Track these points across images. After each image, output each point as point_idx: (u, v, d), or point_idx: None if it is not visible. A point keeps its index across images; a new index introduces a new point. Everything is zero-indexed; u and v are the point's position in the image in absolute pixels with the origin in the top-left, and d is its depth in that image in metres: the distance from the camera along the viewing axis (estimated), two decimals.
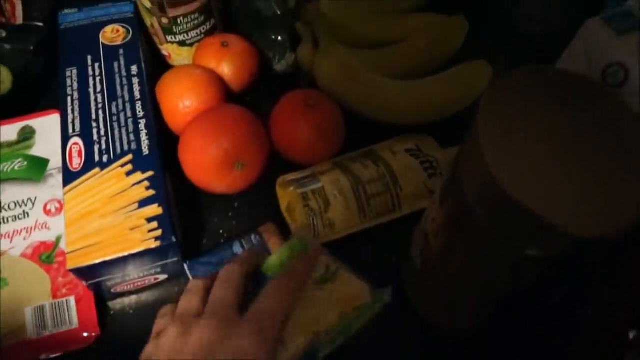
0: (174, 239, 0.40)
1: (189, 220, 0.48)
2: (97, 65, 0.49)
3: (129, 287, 0.44)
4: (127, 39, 0.52)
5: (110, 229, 0.40)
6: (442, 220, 0.34)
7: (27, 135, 0.49)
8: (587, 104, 0.28)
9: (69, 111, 0.46)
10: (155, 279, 0.44)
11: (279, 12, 0.54)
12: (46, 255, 0.44)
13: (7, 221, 0.45)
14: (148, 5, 0.51)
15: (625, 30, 0.34)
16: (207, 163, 0.45)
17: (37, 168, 0.47)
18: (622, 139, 0.27)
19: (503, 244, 0.29)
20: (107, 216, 0.41)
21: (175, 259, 0.42)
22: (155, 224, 0.40)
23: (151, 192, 0.42)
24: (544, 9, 0.66)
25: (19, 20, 0.55)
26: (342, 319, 0.32)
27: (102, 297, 0.44)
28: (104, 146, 0.44)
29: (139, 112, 0.47)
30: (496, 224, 0.28)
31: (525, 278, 0.31)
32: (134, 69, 0.49)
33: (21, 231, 0.45)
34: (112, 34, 0.52)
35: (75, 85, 0.48)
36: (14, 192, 0.46)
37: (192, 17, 0.52)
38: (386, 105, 0.51)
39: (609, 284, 0.31)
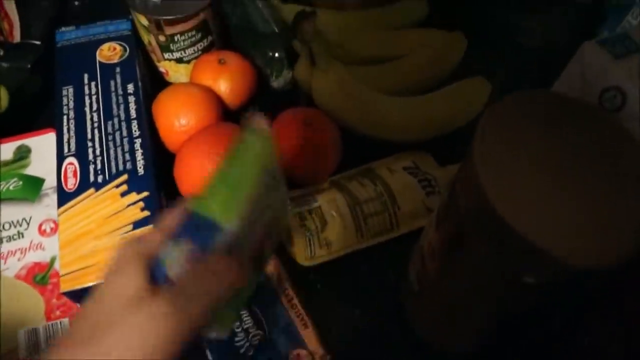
0: None
1: None
2: (93, 83, 0.49)
3: None
4: (124, 57, 0.52)
5: (104, 250, 0.40)
6: (438, 243, 0.34)
7: (22, 154, 0.49)
8: (584, 128, 0.28)
9: (65, 130, 0.46)
10: None
11: (276, 29, 0.54)
12: (40, 276, 0.44)
13: (2, 242, 0.45)
14: (145, 23, 0.51)
15: (622, 54, 0.33)
16: (203, 181, 0.45)
17: (33, 188, 0.47)
18: (620, 165, 0.27)
19: (499, 270, 0.29)
20: (102, 237, 0.40)
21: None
22: None
23: (146, 213, 0.42)
24: (544, 22, 0.65)
25: (17, 38, 0.55)
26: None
27: None
28: (99, 166, 0.44)
29: (135, 131, 0.46)
30: (492, 250, 0.28)
31: (522, 304, 0.31)
32: (131, 87, 0.49)
33: (15, 252, 0.44)
34: (109, 52, 0.52)
35: (71, 104, 0.48)
36: (9, 213, 0.46)
37: (189, 34, 0.52)
38: (384, 122, 0.51)
39: (607, 316, 0.31)
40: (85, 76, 0.50)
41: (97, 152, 0.45)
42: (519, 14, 0.66)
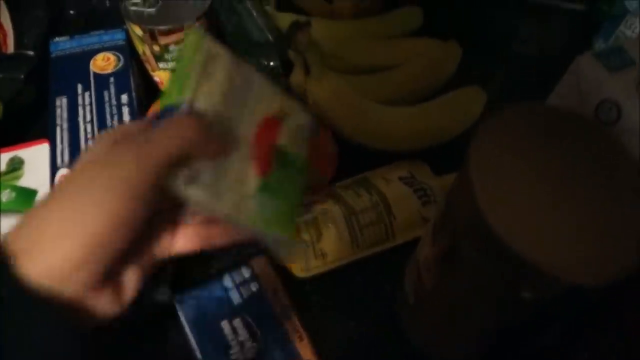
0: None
1: None
2: (87, 94, 0.49)
3: None
4: (118, 67, 0.51)
5: None
6: (433, 257, 0.33)
7: (15, 165, 0.48)
8: (579, 142, 0.28)
9: (58, 141, 0.46)
10: None
11: (271, 38, 0.54)
12: None
13: None
14: (139, 33, 0.51)
15: (617, 68, 0.33)
16: None
17: (26, 199, 0.47)
18: (615, 178, 0.27)
19: (495, 284, 0.29)
20: None
21: (165, 296, 0.41)
22: None
23: None
24: (539, 31, 0.66)
25: (10, 48, 0.55)
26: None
27: None
28: None
29: None
30: (488, 264, 0.28)
31: (519, 318, 0.31)
32: (125, 97, 0.49)
33: None
34: (103, 62, 0.52)
35: (65, 115, 0.48)
36: (3, 225, 0.45)
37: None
38: (379, 131, 0.51)
39: (606, 329, 0.31)
40: (79, 86, 0.50)
41: None
42: (514, 22, 0.66)
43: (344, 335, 0.44)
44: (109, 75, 0.51)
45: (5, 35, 0.56)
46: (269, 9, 0.61)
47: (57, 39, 0.54)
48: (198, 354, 0.40)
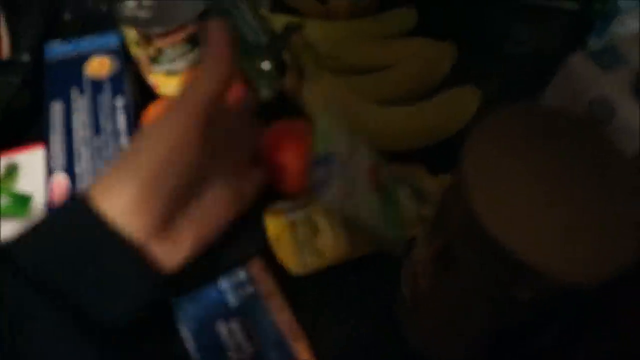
0: None
1: None
2: (82, 98, 0.49)
3: None
4: (113, 71, 0.51)
5: None
6: (429, 257, 0.33)
7: (11, 170, 0.48)
8: (573, 141, 0.28)
9: (54, 146, 0.46)
10: None
11: (265, 40, 0.54)
12: None
13: None
14: (134, 36, 0.51)
15: (610, 66, 0.33)
16: None
17: (22, 204, 0.47)
18: (609, 177, 0.27)
19: (491, 285, 0.29)
20: None
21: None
22: None
23: None
24: (533, 30, 0.66)
25: (6, 54, 0.55)
26: None
27: None
28: (88, 181, 0.44)
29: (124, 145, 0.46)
30: (481, 265, 0.28)
31: (516, 319, 0.31)
32: (120, 101, 0.49)
33: None
34: (98, 66, 0.52)
35: (60, 119, 0.48)
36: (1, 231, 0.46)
37: (179, 47, 0.52)
38: (375, 132, 0.51)
39: (603, 331, 0.31)
40: (74, 91, 0.50)
41: (86, 167, 0.45)
42: (508, 22, 0.66)
43: (341, 335, 0.44)
44: (104, 78, 0.51)
45: (0, 41, 0.56)
46: (264, 11, 0.61)
47: (52, 43, 0.54)
48: (195, 357, 0.40)
